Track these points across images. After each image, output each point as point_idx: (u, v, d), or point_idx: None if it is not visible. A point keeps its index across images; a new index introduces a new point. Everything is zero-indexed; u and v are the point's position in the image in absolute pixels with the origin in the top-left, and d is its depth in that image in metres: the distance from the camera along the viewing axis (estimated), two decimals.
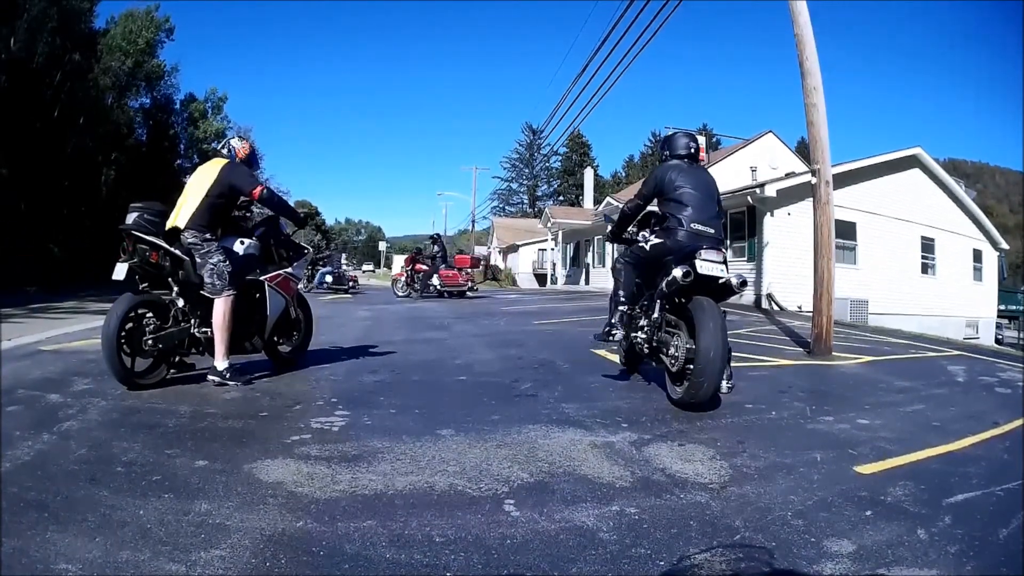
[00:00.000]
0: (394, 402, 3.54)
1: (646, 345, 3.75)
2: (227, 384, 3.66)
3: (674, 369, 3.46)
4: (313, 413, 3.23)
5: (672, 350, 3.47)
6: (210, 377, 3.67)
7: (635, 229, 4.17)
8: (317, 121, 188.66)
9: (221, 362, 3.66)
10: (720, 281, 3.41)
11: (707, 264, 3.35)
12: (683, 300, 3.48)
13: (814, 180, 6.61)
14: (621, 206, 4.13)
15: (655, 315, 3.62)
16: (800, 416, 3.55)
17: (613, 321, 4.00)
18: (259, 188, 3.79)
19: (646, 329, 3.72)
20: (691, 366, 3.28)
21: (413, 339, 6.60)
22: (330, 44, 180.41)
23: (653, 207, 3.96)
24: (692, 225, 3.52)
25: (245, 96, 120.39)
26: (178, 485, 2.18)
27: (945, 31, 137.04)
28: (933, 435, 3.28)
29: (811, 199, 6.71)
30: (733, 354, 3.83)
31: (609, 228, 4.46)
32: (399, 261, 59.06)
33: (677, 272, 3.34)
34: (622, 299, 3.96)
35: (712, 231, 3.57)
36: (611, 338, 4.01)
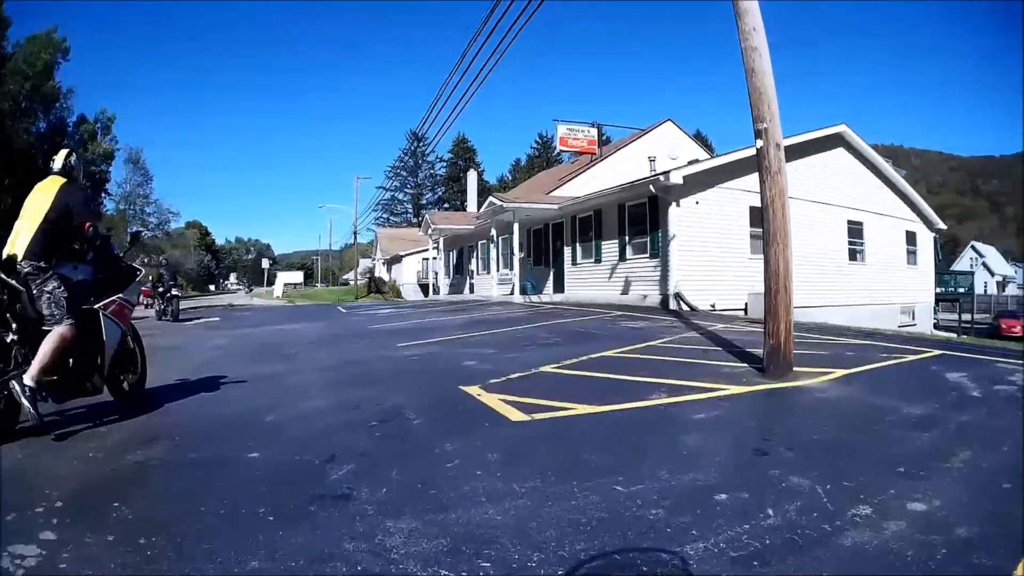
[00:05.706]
0: (129, 515, 2.13)
1: None
2: (33, 405, 2.96)
3: None
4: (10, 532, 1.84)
5: None
6: (13, 384, 2.98)
7: None
8: (209, 141, 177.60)
9: (33, 377, 3.02)
10: None
11: None
12: None
13: (760, 144, 5.07)
14: None
15: None
16: (819, 513, 1.99)
17: None
18: (90, 224, 3.55)
19: None
20: None
21: (247, 375, 5.01)
22: (215, 60, 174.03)
23: None
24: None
25: (135, 119, 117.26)
26: None
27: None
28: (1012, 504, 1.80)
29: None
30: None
31: None
32: (284, 278, 55.89)
33: None
34: None
35: None
36: None
